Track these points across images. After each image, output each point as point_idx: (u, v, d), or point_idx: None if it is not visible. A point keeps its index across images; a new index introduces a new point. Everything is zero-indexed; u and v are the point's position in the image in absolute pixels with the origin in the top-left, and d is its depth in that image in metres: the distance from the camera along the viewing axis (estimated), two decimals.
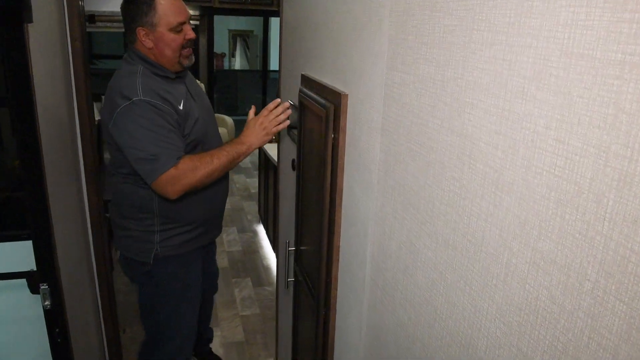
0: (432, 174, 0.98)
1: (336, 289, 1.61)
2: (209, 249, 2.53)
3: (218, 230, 2.34)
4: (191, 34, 1.92)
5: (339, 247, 1.57)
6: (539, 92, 0.68)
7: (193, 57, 1.98)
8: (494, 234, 0.80)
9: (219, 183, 2.11)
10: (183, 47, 1.90)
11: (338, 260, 1.58)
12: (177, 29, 1.87)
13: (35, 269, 1.94)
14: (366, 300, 1.37)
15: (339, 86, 1.51)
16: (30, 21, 1.65)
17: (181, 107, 1.90)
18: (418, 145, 1.03)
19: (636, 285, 0.55)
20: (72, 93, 2.32)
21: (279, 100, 1.95)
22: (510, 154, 0.74)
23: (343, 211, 1.53)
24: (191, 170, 1.83)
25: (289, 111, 1.92)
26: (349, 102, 1.44)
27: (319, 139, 1.61)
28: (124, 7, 1.93)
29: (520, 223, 0.73)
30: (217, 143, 2.12)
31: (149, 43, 1.88)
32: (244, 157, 1.95)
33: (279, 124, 1.96)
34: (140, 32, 1.87)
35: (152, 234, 2.04)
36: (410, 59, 1.04)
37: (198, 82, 2.26)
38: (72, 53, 2.24)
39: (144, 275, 2.15)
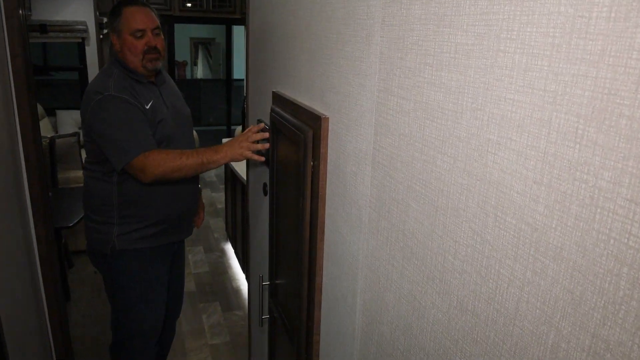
0: (442, 221, 0.81)
1: (319, 335, 1.43)
2: (176, 253, 2.41)
3: (181, 233, 2.31)
4: (152, 42, 2.02)
5: (321, 287, 1.39)
6: (601, 136, 0.52)
7: (159, 63, 2.07)
8: (534, 306, 0.63)
9: (183, 184, 2.14)
10: (146, 52, 2.01)
11: (320, 302, 1.40)
12: (137, 34, 2.00)
13: None
14: (357, 354, 1.19)
15: (317, 107, 1.34)
16: None
17: (147, 107, 2.01)
18: (422, 185, 0.86)
19: None
20: (13, 114, 2.08)
21: (263, 125, 1.90)
22: (557, 211, 0.58)
23: (326, 248, 1.35)
24: (160, 160, 1.89)
25: (267, 145, 1.82)
26: (330, 126, 1.26)
27: (296, 165, 1.44)
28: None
29: (573, 300, 0.57)
30: (183, 147, 2.09)
31: (117, 47, 2.04)
32: (215, 166, 1.96)
33: (254, 153, 1.91)
34: (113, 37, 2.05)
35: (110, 225, 2.09)
36: (409, 83, 0.88)
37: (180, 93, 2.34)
38: (12, 71, 2.00)
39: (104, 266, 2.20)
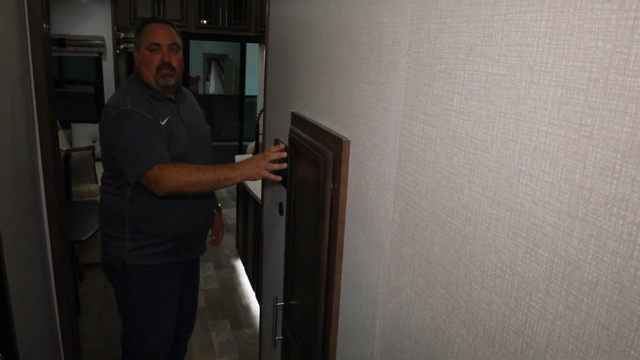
0: (469, 250, 0.80)
1: (334, 359, 1.41)
2: (190, 271, 2.42)
3: (195, 250, 2.32)
4: (166, 58, 2.04)
5: (338, 312, 1.38)
6: None
7: (172, 80, 2.07)
8: (566, 341, 0.62)
9: (195, 202, 2.14)
10: (159, 67, 2.03)
11: (337, 326, 1.39)
12: (152, 48, 2.03)
13: None
14: None
15: (338, 130, 1.34)
16: None
17: (163, 123, 2.03)
18: (448, 214, 0.85)
19: None
20: (34, 127, 2.10)
21: (282, 146, 1.88)
22: (592, 245, 0.58)
23: (344, 271, 1.34)
24: (175, 174, 1.87)
25: (285, 165, 1.83)
26: (351, 149, 1.27)
27: (315, 186, 1.44)
28: None
29: (609, 337, 0.56)
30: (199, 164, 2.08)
31: (136, 61, 2.09)
32: (231, 183, 1.94)
33: (271, 173, 1.88)
34: (135, 52, 2.11)
35: (122, 240, 2.10)
36: (436, 110, 0.88)
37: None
38: (34, 86, 2.03)
39: (116, 279, 2.20)
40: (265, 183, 2.42)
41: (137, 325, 2.20)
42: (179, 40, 2.10)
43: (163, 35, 2.04)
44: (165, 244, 2.13)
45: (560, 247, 0.63)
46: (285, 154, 1.82)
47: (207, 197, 2.22)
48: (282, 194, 2.00)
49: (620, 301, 0.55)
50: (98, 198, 4.26)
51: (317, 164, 1.40)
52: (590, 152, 0.58)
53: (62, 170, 3.79)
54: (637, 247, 0.53)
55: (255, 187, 3.61)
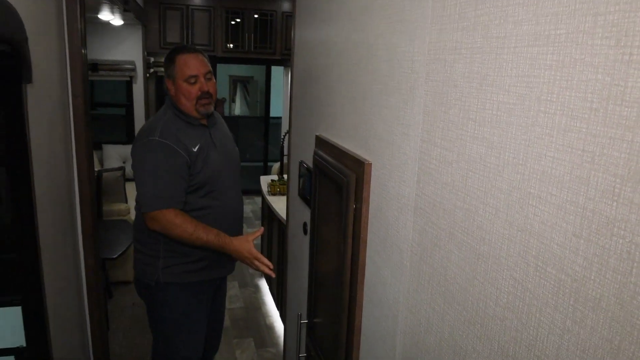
0: (483, 268, 0.85)
1: None
2: (218, 288, 2.50)
3: (225, 269, 2.39)
4: (204, 87, 2.10)
5: (360, 328, 1.42)
6: (637, 196, 0.56)
7: (211, 107, 2.15)
8: (573, 354, 0.66)
9: (227, 222, 2.21)
10: (199, 97, 2.10)
11: (359, 343, 1.43)
12: (190, 80, 2.08)
13: (24, 343, 1.78)
14: None
15: (361, 153, 1.40)
16: (30, 81, 1.55)
17: (194, 150, 2.09)
18: (464, 233, 0.90)
19: None
20: (71, 149, 2.22)
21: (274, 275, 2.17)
22: (596, 263, 0.62)
23: (366, 289, 1.39)
24: (171, 224, 2.01)
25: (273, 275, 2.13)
26: (372, 171, 1.32)
27: (338, 207, 1.49)
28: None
29: (612, 349, 0.60)
30: (228, 188, 2.21)
31: (172, 92, 2.14)
32: (217, 250, 2.11)
33: (256, 268, 2.11)
34: (168, 82, 2.15)
35: (156, 259, 2.17)
36: (453, 135, 0.93)
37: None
38: (72, 109, 2.14)
39: (148, 296, 2.27)
40: (290, 204, 2.48)
41: (168, 341, 2.27)
42: (210, 67, 2.17)
43: (198, 66, 2.09)
44: (197, 263, 2.20)
45: (567, 265, 0.67)
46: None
47: (236, 217, 2.30)
48: (306, 215, 2.05)
49: (622, 315, 0.59)
50: (128, 217, 4.40)
51: (340, 185, 1.45)
52: (592, 176, 0.62)
53: (96, 190, 3.92)
54: (635, 265, 0.57)
55: (280, 207, 3.68)
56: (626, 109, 0.57)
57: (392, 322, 1.22)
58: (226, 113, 10.49)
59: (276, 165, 5.99)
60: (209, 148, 2.15)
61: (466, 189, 0.89)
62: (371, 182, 1.33)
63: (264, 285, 4.65)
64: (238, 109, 11.21)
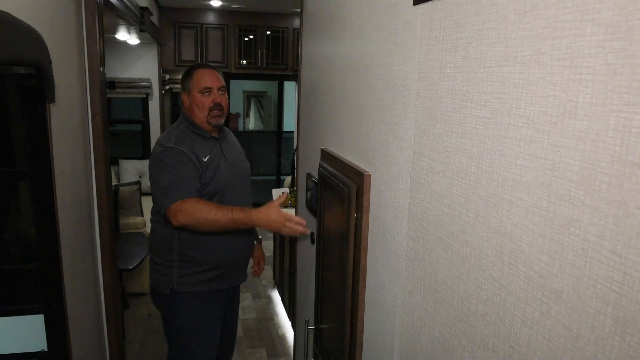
0: (467, 269, 0.92)
1: None
2: (232, 298, 2.57)
3: (237, 278, 2.46)
4: (217, 99, 2.24)
5: (362, 332, 1.49)
6: (588, 198, 0.64)
7: (221, 120, 2.28)
8: (542, 343, 0.73)
9: (237, 234, 2.28)
10: (211, 108, 2.23)
11: (362, 346, 1.50)
12: (204, 91, 2.23)
13: (46, 348, 1.87)
14: None
15: (361, 164, 1.48)
16: (53, 101, 1.66)
17: (205, 160, 2.20)
18: (450, 237, 0.98)
19: None
20: (90, 165, 2.33)
21: (309, 232, 2.16)
22: (557, 260, 0.69)
23: (367, 294, 1.46)
24: (194, 210, 2.03)
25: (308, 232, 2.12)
26: (372, 182, 1.40)
27: (341, 216, 1.57)
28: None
29: (572, 336, 0.67)
30: (238, 199, 2.28)
31: (187, 104, 2.28)
32: (245, 227, 2.13)
33: (290, 232, 2.11)
34: (184, 95, 2.30)
35: (171, 268, 2.26)
36: (439, 147, 1.01)
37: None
38: (92, 127, 2.26)
39: (163, 305, 2.36)
40: (299, 215, 2.57)
41: (183, 349, 2.35)
42: (224, 83, 2.30)
43: (213, 80, 2.24)
44: (210, 272, 2.28)
45: (534, 262, 0.74)
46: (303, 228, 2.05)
47: (247, 230, 2.34)
48: (313, 224, 2.13)
49: (579, 305, 0.66)
50: (143, 230, 4.51)
51: (342, 195, 1.54)
52: (553, 182, 0.70)
53: (113, 203, 4.05)
54: (588, 259, 0.64)
55: None
56: (578, 122, 0.65)
57: (390, 324, 1.29)
58: (240, 128, 10.64)
59: (288, 179, 6.09)
60: (219, 159, 2.25)
61: (451, 196, 0.97)
62: (371, 192, 1.41)
63: (276, 296, 4.72)
64: (252, 123, 11.35)
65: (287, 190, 2.10)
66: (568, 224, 0.67)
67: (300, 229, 2.06)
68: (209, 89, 2.23)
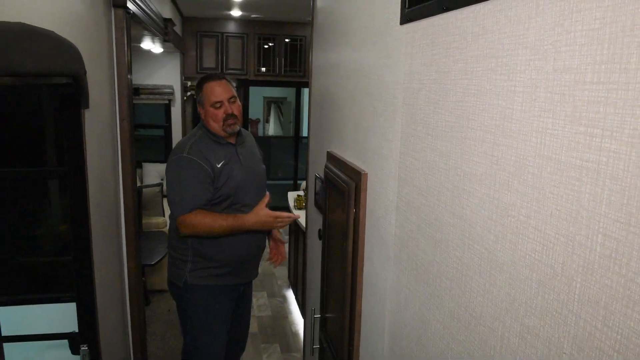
0: (439, 251, 1.08)
1: (358, 358, 1.67)
2: (244, 294, 2.70)
3: (247, 275, 2.59)
4: (229, 110, 2.35)
5: (360, 314, 1.65)
6: (520, 186, 0.79)
7: (236, 127, 2.40)
8: (490, 309, 0.88)
9: (250, 234, 2.42)
10: (225, 119, 2.35)
11: (360, 329, 1.66)
12: (216, 105, 2.34)
13: (76, 330, 2.07)
14: None
15: (359, 164, 1.65)
16: (87, 107, 1.86)
17: (218, 166, 2.34)
18: (427, 225, 1.13)
19: (601, 358, 0.63)
20: (118, 166, 2.53)
21: (299, 216, 2.37)
22: (500, 238, 0.85)
23: (364, 281, 1.62)
24: (194, 224, 2.28)
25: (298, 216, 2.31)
26: (368, 180, 1.56)
27: (342, 212, 1.73)
28: None
29: (510, 300, 0.82)
30: (252, 199, 2.42)
31: (202, 115, 2.41)
32: (242, 231, 2.34)
33: (281, 224, 2.34)
34: (199, 108, 2.42)
35: (184, 262, 2.42)
36: (419, 147, 1.17)
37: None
38: (119, 130, 2.46)
39: (178, 296, 2.53)
40: (308, 214, 2.73)
41: (194, 338, 2.51)
42: (234, 91, 2.40)
43: (222, 92, 2.35)
44: (221, 268, 2.42)
45: (485, 241, 0.90)
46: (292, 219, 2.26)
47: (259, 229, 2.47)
48: (320, 222, 2.30)
49: (514, 274, 0.81)
50: (164, 229, 4.73)
51: (343, 193, 1.70)
52: (497, 174, 0.86)
53: (137, 203, 4.27)
54: (520, 236, 0.79)
55: (304, 220, 3.93)
56: (513, 124, 0.81)
57: (382, 305, 1.45)
58: (260, 133, 10.87)
59: (304, 183, 6.27)
60: (233, 164, 2.38)
61: (427, 190, 1.13)
62: (367, 189, 1.58)
63: (290, 295, 4.89)
64: (272, 129, 11.56)
65: (267, 195, 2.30)
66: (507, 207, 0.83)
67: (290, 219, 2.28)
68: (219, 103, 2.33)
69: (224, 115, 2.35)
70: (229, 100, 2.35)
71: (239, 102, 2.43)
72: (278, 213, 2.30)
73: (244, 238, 2.43)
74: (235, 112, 2.38)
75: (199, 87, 2.40)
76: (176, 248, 2.47)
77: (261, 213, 2.30)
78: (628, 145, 0.59)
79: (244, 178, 2.42)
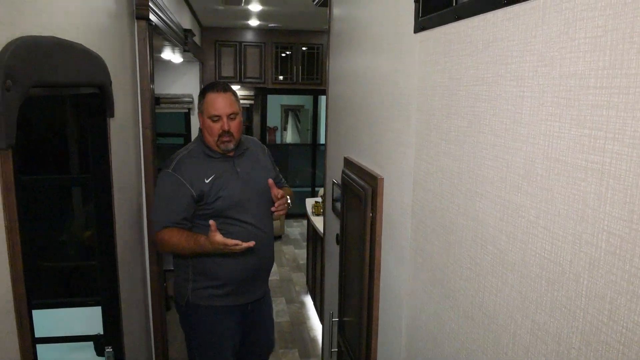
0: (452, 252, 1.11)
1: None
2: (251, 313, 2.53)
3: (251, 295, 2.44)
4: (225, 127, 2.23)
5: (377, 317, 1.68)
6: (529, 188, 0.82)
7: (231, 145, 2.26)
8: (502, 307, 0.91)
9: (251, 251, 2.19)
10: (220, 135, 2.24)
11: (377, 332, 1.69)
12: (214, 118, 2.23)
13: (101, 332, 2.13)
14: None
15: (375, 169, 1.68)
16: (112, 116, 1.93)
17: (207, 181, 2.24)
18: (441, 227, 1.16)
19: (608, 352, 0.66)
20: (141, 173, 2.60)
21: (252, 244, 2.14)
22: (512, 238, 0.88)
23: (381, 283, 1.65)
24: (163, 242, 2.23)
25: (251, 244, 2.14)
26: (384, 184, 1.60)
27: (359, 216, 1.77)
28: None
29: (522, 298, 0.85)
30: (250, 213, 2.30)
31: (200, 124, 2.31)
32: (204, 252, 2.19)
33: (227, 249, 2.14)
34: (198, 115, 2.32)
35: (187, 282, 2.35)
36: (433, 152, 1.20)
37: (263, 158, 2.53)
38: (142, 139, 2.54)
39: (181, 314, 2.46)
40: (326, 219, 2.77)
41: (199, 356, 2.42)
42: (237, 107, 2.26)
43: (222, 107, 2.21)
44: (223, 288, 2.32)
45: (497, 241, 0.93)
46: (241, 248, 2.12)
47: (265, 245, 2.35)
48: (338, 227, 2.34)
49: (525, 272, 0.84)
50: None
51: (360, 197, 1.74)
52: (507, 176, 0.89)
53: None
54: (530, 235, 0.82)
55: (322, 226, 3.97)
56: (522, 128, 0.84)
57: (398, 307, 1.48)
58: (277, 141, 10.97)
59: (322, 190, 6.31)
60: (228, 177, 2.27)
61: (441, 193, 1.16)
62: (384, 193, 1.61)
63: (309, 301, 4.92)
64: (289, 137, 11.65)
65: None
66: (517, 208, 0.86)
67: (239, 246, 2.09)
68: (217, 117, 2.22)
69: (220, 131, 2.24)
70: (228, 116, 2.22)
71: (240, 119, 2.29)
72: (227, 241, 2.10)
73: (249, 256, 2.29)
74: (233, 130, 2.25)
75: (202, 94, 2.29)
76: (177, 265, 2.41)
77: (214, 239, 2.09)
78: (629, 147, 0.62)
79: (240, 191, 2.29)
